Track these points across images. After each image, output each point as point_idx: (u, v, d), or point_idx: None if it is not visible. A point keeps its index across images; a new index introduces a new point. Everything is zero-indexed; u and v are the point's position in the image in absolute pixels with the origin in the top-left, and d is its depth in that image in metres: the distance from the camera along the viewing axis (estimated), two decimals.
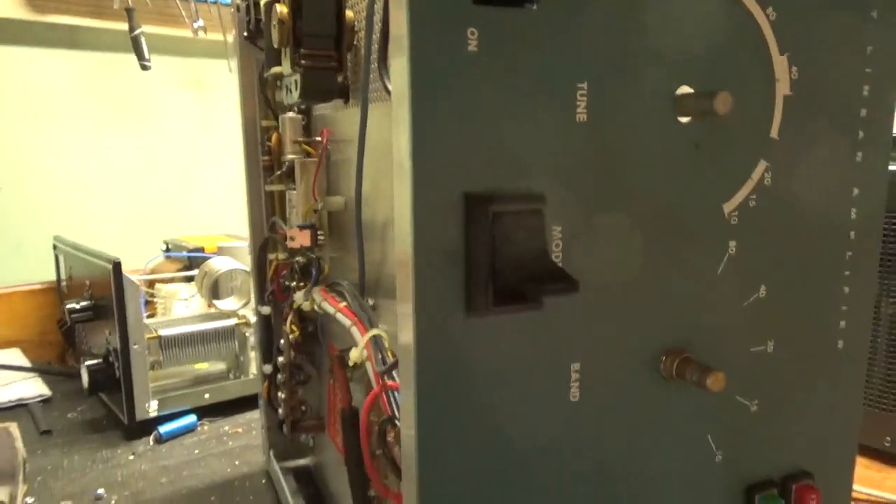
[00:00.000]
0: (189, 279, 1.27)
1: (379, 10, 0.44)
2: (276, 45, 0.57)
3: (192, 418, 1.03)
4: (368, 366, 0.46)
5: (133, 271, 1.39)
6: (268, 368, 0.83)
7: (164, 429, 0.99)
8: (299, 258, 0.76)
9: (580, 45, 0.30)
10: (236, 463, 0.93)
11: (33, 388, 1.17)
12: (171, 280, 1.29)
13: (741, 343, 0.38)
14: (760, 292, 0.38)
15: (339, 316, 0.54)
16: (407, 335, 0.30)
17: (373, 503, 0.65)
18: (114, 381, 1.00)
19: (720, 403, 0.38)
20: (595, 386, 0.33)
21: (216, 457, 0.95)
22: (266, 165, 0.79)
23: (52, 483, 0.88)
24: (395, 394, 0.43)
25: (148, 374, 1.00)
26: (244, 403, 1.09)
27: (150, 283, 1.30)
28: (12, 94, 1.38)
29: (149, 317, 1.22)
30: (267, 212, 0.83)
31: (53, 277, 1.36)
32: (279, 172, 0.78)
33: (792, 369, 0.40)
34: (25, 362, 1.27)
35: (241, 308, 1.12)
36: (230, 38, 1.53)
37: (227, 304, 1.11)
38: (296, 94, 0.58)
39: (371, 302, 0.61)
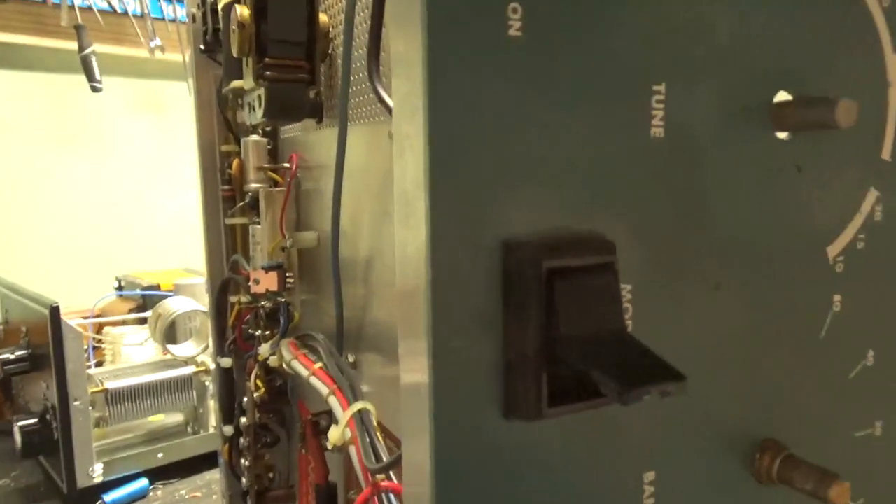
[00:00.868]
0: (143, 321, 1.15)
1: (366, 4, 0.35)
2: (235, 55, 0.48)
3: (143, 482, 0.91)
4: (353, 455, 0.36)
5: (79, 312, 1.26)
6: (229, 430, 0.72)
7: (110, 497, 0.87)
8: (265, 303, 0.65)
9: (657, 34, 0.22)
10: None
11: None
12: (123, 322, 1.17)
13: (843, 426, 0.30)
14: (868, 359, 0.29)
15: (314, 381, 0.44)
16: (420, 447, 0.21)
17: None
18: (52, 442, 0.88)
19: None
20: (674, 500, 0.24)
21: None
22: (226, 196, 0.69)
23: None
24: (394, 499, 0.33)
25: (92, 434, 0.88)
26: (203, 462, 0.97)
27: (99, 327, 1.18)
28: None
29: (97, 364, 1.09)
30: (227, 248, 0.73)
31: None
32: (241, 204, 0.67)
33: None
34: None
35: (200, 354, 1.00)
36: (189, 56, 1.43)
37: (185, 349, 1.00)
38: (259, 113, 0.49)
39: (351, 358, 0.51)
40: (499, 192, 0.20)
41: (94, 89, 1.30)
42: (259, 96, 0.49)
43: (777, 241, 0.26)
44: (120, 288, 1.33)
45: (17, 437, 0.87)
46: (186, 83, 1.45)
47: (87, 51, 1.28)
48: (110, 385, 0.92)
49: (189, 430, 1.02)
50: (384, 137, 0.44)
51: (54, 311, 0.84)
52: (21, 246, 1.34)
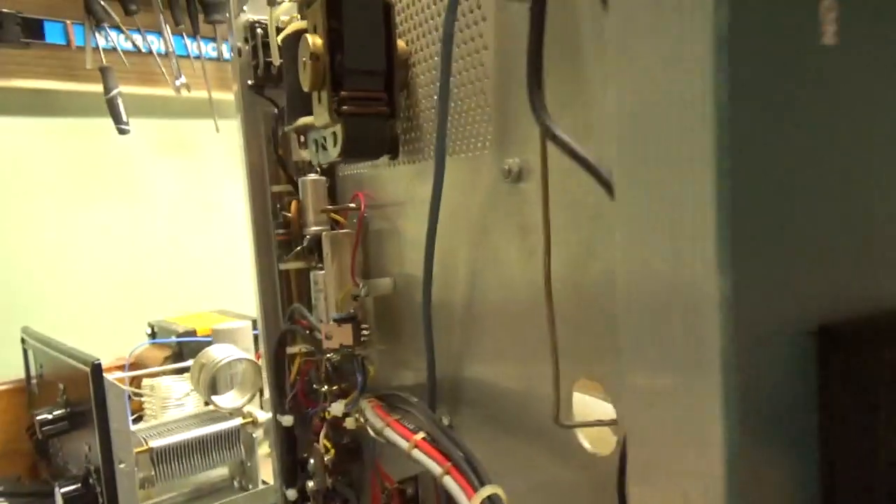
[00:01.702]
0: (181, 371, 1.10)
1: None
2: (307, 89, 0.43)
3: None
4: None
5: (114, 362, 1.21)
6: (292, 494, 0.66)
7: None
8: (332, 355, 0.60)
9: None
10: None
11: None
12: (162, 373, 1.12)
13: None
14: None
15: (419, 455, 0.39)
16: None
17: None
18: None
19: None
20: None
21: None
22: (282, 240, 0.64)
23: None
24: None
25: (138, 497, 0.82)
26: None
27: (135, 378, 1.13)
28: None
29: (135, 419, 1.04)
30: (283, 297, 0.68)
31: (22, 374, 1.18)
32: (299, 248, 0.62)
33: None
34: None
35: (247, 404, 0.95)
36: (216, 94, 1.40)
37: (229, 399, 0.94)
38: (335, 151, 0.44)
39: (446, 421, 0.46)
40: (814, 258, 0.14)
41: (122, 131, 1.26)
42: (334, 133, 0.44)
43: None
44: (153, 335, 1.28)
45: None
46: (213, 121, 1.41)
47: (113, 92, 1.24)
48: (155, 444, 0.86)
49: (235, 484, 0.97)
50: (483, 172, 0.39)
51: (96, 368, 0.79)
52: (50, 295, 1.30)
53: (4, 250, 1.25)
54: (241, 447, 0.93)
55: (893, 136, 0.16)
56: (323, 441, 0.60)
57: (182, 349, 1.18)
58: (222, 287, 1.45)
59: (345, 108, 0.42)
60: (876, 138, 0.15)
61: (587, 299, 0.31)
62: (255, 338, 1.11)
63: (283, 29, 0.51)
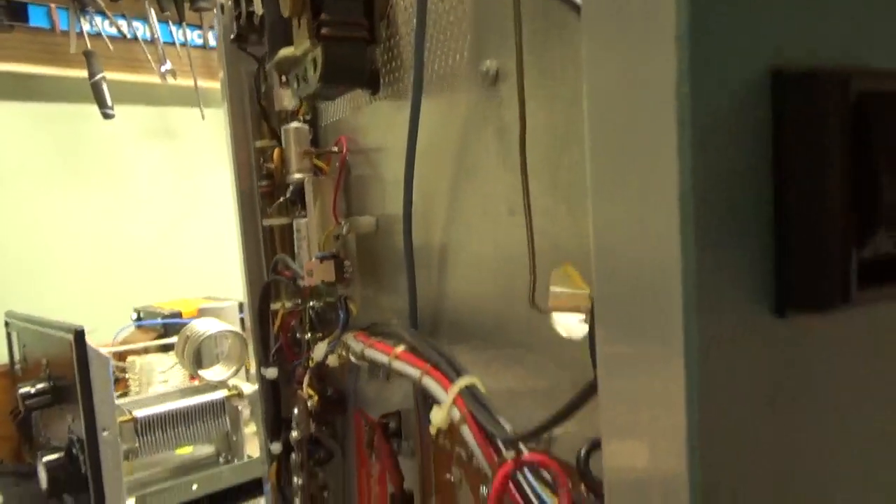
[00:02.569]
0: (166, 348, 1.09)
1: None
2: (286, 14, 0.44)
3: None
4: (469, 435, 0.31)
5: (98, 347, 1.20)
6: (276, 447, 0.66)
7: None
8: (314, 303, 0.60)
9: None
10: None
11: None
12: (145, 351, 1.11)
13: None
14: None
15: (399, 365, 0.39)
16: (664, 367, 0.15)
17: None
18: (79, 478, 0.81)
19: None
20: None
21: None
22: (264, 192, 0.65)
23: None
24: (531, 476, 0.27)
25: (122, 467, 0.82)
26: (240, 493, 0.91)
27: (121, 357, 1.12)
28: None
29: (120, 396, 1.03)
30: (267, 252, 0.68)
31: (5, 360, 1.17)
32: (283, 199, 0.63)
33: None
34: None
35: (232, 377, 0.94)
36: (201, 82, 1.40)
37: (215, 373, 0.94)
38: (315, 79, 0.44)
39: None
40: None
41: (106, 116, 1.26)
42: (314, 59, 0.44)
43: None
44: (139, 320, 1.28)
45: (43, 475, 0.81)
46: (199, 109, 1.42)
47: (98, 77, 1.25)
48: (139, 413, 0.86)
49: (221, 460, 0.96)
50: (461, 82, 0.39)
51: (79, 335, 0.79)
52: (33, 281, 1.29)
53: None
54: (227, 419, 0.92)
55: None
56: (307, 389, 0.60)
57: (168, 331, 1.18)
58: (208, 275, 1.45)
59: (324, 31, 0.43)
60: None
61: (563, 187, 0.31)
62: (241, 321, 1.11)
63: None
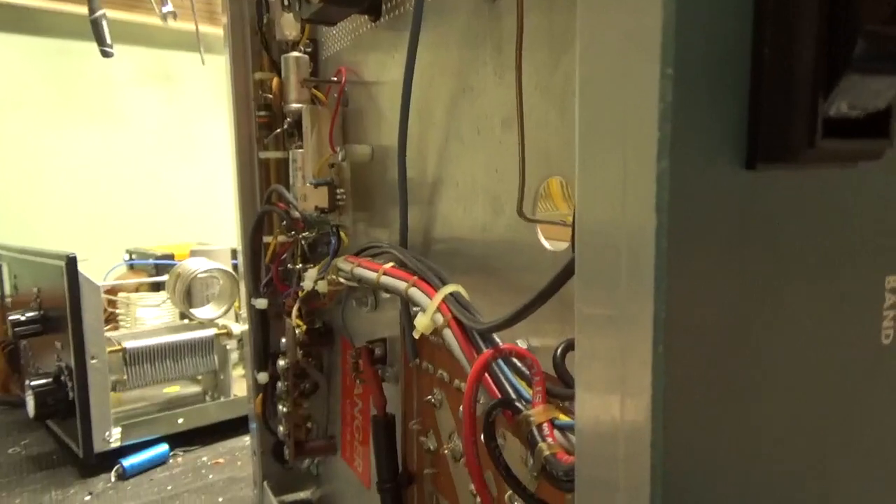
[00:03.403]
0: (157, 287, 1.10)
1: None
2: None
3: (162, 448, 0.85)
4: (451, 337, 0.32)
5: None
6: (263, 377, 0.67)
7: (128, 462, 0.82)
8: (306, 234, 0.61)
9: None
10: (219, 500, 0.76)
11: None
12: (136, 290, 1.11)
13: None
14: None
15: (387, 280, 0.40)
16: (638, 213, 0.16)
17: None
18: (66, 404, 0.83)
19: None
20: None
21: (195, 493, 0.77)
22: (262, 122, 0.65)
23: None
24: (505, 366, 0.28)
25: (109, 396, 0.83)
26: (225, 429, 0.92)
27: (112, 295, 1.12)
28: None
29: (109, 331, 1.04)
30: (261, 185, 0.68)
31: None
32: (280, 130, 0.63)
33: None
34: None
35: (222, 316, 0.95)
36: (203, 27, 1.38)
37: (205, 312, 0.95)
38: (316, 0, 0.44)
39: None
40: None
41: (105, 54, 1.25)
42: None
43: None
44: (131, 260, 1.28)
45: (30, 400, 0.82)
46: (199, 54, 1.40)
47: (98, 14, 1.23)
48: (128, 345, 0.86)
49: (207, 399, 0.97)
50: (458, 27, 0.39)
51: (71, 261, 0.79)
52: (26, 217, 1.29)
53: None
54: (215, 357, 0.93)
55: None
56: (295, 319, 0.60)
57: (159, 272, 1.18)
58: (201, 222, 1.45)
59: None
60: None
61: (556, 101, 0.32)
62: (234, 267, 1.11)
63: None
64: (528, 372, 0.28)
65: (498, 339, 0.30)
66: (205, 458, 0.86)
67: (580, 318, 0.18)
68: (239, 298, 0.95)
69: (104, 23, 1.24)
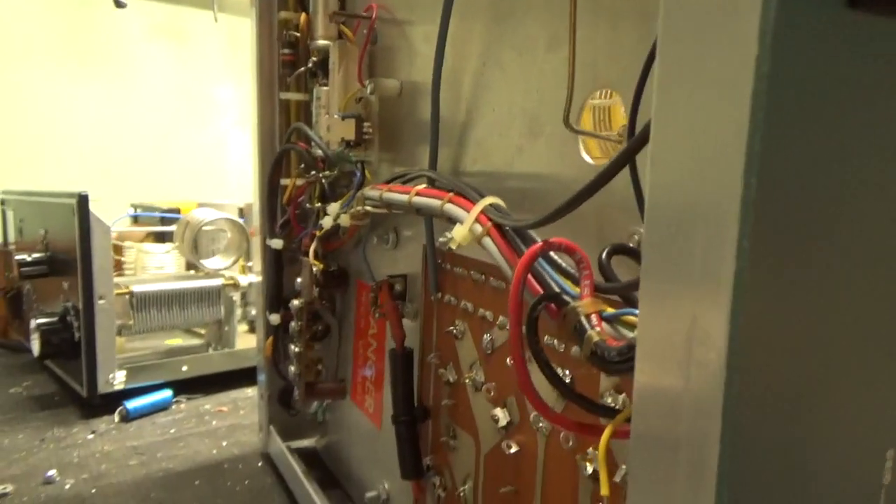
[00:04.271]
0: (163, 238, 1.09)
1: None
2: None
3: (166, 393, 0.85)
4: (491, 244, 0.31)
5: None
6: (275, 319, 0.67)
7: (131, 404, 0.81)
8: (326, 173, 0.60)
9: None
10: (223, 444, 0.76)
11: None
12: (142, 240, 1.11)
13: None
14: None
15: (419, 200, 0.39)
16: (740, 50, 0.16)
17: (426, 472, 0.50)
18: (71, 345, 0.82)
19: None
20: None
21: (198, 437, 0.77)
22: (286, 60, 0.64)
23: None
24: (549, 266, 0.28)
25: (115, 338, 0.83)
26: (227, 380, 0.92)
27: (117, 248, 1.12)
28: None
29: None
30: (281, 126, 0.68)
31: None
32: (305, 68, 0.62)
33: None
34: None
35: (230, 267, 0.95)
36: None
37: (214, 262, 0.94)
38: None
39: None
40: None
41: (118, 4, 1.24)
42: None
43: None
44: (136, 213, 1.27)
45: (35, 337, 0.81)
46: (213, 12, 1.39)
47: None
48: (136, 289, 0.86)
49: (210, 350, 0.97)
50: None
51: (83, 199, 0.79)
52: (33, 166, 1.28)
53: None
54: (221, 307, 0.93)
55: None
56: (312, 258, 0.60)
57: (165, 226, 1.18)
58: (208, 181, 1.44)
59: None
60: None
61: (607, 17, 0.32)
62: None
63: None
64: (572, 271, 0.28)
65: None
66: (207, 406, 0.86)
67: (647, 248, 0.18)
68: (247, 251, 0.95)
69: None
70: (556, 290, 0.27)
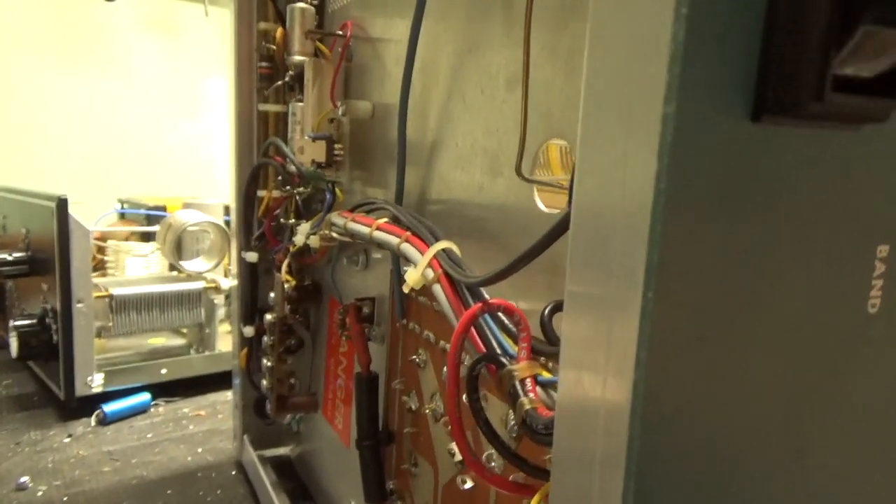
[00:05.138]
0: (147, 237, 1.09)
1: None
2: None
3: (144, 396, 0.85)
4: (440, 292, 0.31)
5: None
6: (249, 331, 0.67)
7: (109, 407, 0.82)
8: (301, 189, 0.60)
9: None
10: (199, 450, 0.76)
11: None
12: (126, 239, 1.11)
13: None
14: None
15: (380, 235, 0.39)
16: (639, 161, 0.16)
17: (389, 497, 0.50)
18: (50, 347, 0.82)
19: None
20: None
21: (174, 442, 0.78)
22: (264, 73, 0.64)
23: None
24: (492, 322, 0.28)
25: (93, 341, 0.83)
26: (207, 383, 0.92)
27: (101, 243, 1.12)
28: None
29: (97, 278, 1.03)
30: (258, 138, 0.68)
31: None
32: (282, 82, 0.62)
33: None
34: None
35: (212, 270, 0.95)
36: None
37: (195, 265, 0.94)
38: None
39: None
40: None
41: None
42: None
43: None
44: (122, 209, 1.27)
45: (13, 339, 0.81)
46: (203, 5, 1.38)
47: None
48: (115, 291, 0.86)
49: (192, 352, 0.97)
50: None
51: (62, 203, 0.79)
52: (18, 159, 1.27)
53: None
54: (202, 311, 0.93)
55: None
56: (285, 274, 0.60)
57: (150, 223, 1.18)
58: (195, 176, 1.44)
59: None
60: None
61: (562, 63, 0.31)
62: (227, 223, 1.11)
63: None
64: (514, 329, 0.28)
65: (487, 297, 0.30)
66: (186, 410, 0.86)
67: (571, 275, 0.18)
68: (229, 254, 0.95)
69: None
70: (497, 349, 0.28)
